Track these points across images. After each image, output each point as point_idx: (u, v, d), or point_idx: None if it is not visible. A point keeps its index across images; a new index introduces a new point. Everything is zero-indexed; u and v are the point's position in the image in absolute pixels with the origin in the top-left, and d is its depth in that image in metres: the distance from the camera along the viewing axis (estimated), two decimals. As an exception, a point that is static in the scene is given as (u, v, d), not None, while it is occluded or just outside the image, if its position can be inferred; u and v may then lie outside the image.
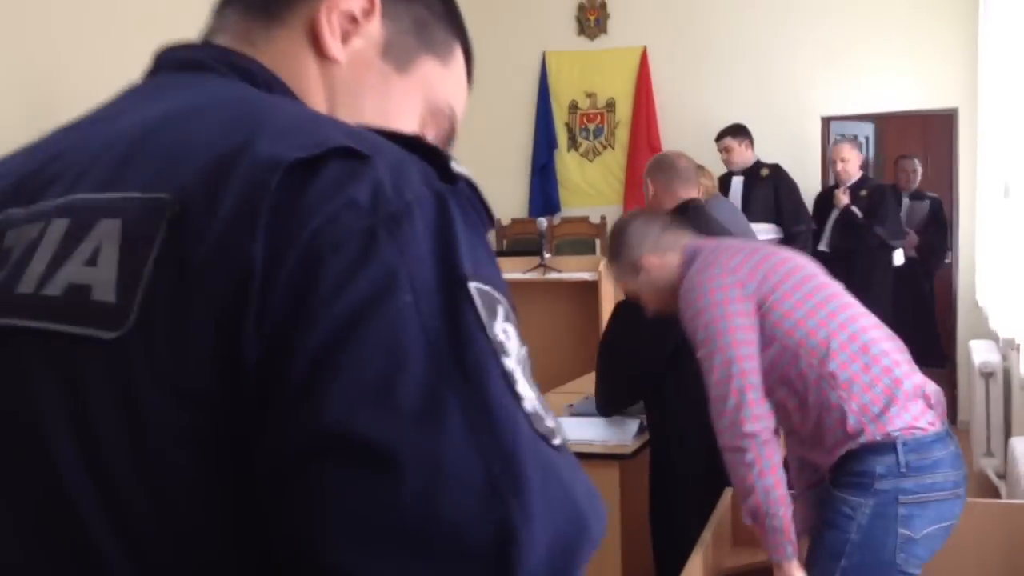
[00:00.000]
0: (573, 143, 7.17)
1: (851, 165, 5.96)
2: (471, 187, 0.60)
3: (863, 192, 5.92)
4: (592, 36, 7.08)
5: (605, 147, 7.09)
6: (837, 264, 5.41)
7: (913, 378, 2.13)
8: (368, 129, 0.62)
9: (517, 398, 0.55)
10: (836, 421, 2.10)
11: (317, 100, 0.74)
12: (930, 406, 2.12)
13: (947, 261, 6.73)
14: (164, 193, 0.57)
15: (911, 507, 2.05)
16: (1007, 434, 4.88)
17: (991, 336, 5.34)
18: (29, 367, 0.57)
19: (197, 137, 0.60)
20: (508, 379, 0.55)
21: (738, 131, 6.23)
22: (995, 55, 5.25)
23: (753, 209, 5.88)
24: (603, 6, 7.03)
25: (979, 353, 5.22)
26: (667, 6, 6.85)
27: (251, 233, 0.54)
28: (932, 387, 2.17)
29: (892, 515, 2.04)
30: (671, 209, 3.20)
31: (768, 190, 5.99)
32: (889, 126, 7.67)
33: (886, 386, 2.09)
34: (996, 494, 4.76)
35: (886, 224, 5.86)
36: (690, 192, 3.29)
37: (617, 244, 2.50)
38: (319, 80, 0.74)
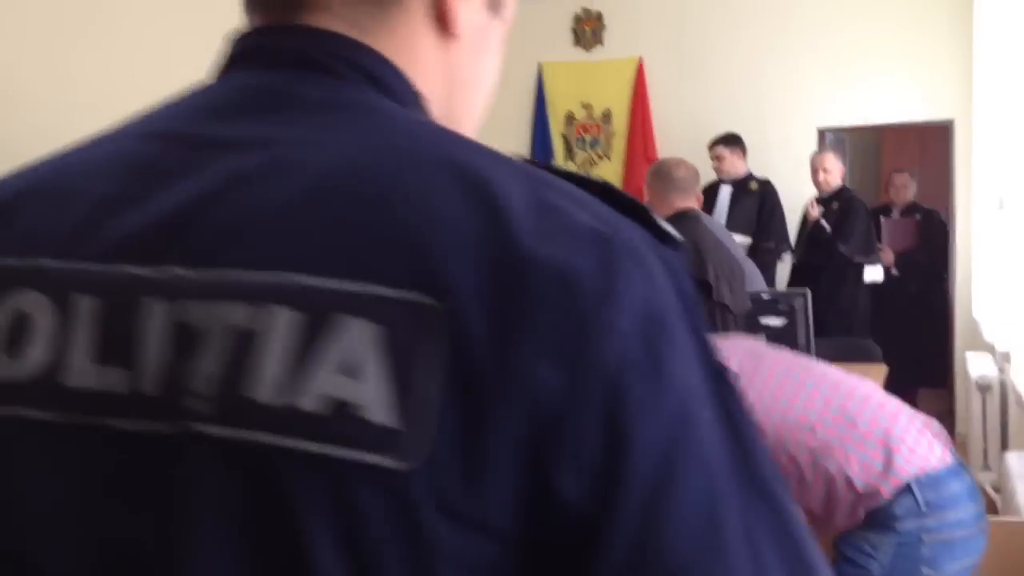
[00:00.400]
0: (569, 154, 7.16)
1: (833, 176, 5.93)
2: (681, 245, 0.57)
3: (835, 205, 5.90)
4: (588, 47, 7.08)
5: (601, 158, 7.09)
6: (805, 278, 5.43)
7: (900, 419, 2.08)
8: (549, 171, 0.57)
9: (784, 486, 0.54)
10: (844, 488, 2.02)
11: (436, 91, 0.66)
12: (933, 438, 2.07)
13: (945, 279, 6.67)
14: (425, 294, 0.49)
15: (936, 546, 1.99)
16: (1004, 447, 4.87)
17: (988, 349, 5.33)
18: (291, 491, 0.48)
19: (424, 208, 0.51)
20: (778, 476, 0.54)
21: (731, 140, 6.22)
22: (990, 66, 5.26)
23: (736, 219, 5.91)
24: (599, 17, 7.03)
25: (976, 366, 5.21)
26: (663, 17, 6.85)
27: (548, 358, 0.48)
28: (925, 418, 2.12)
29: (916, 556, 1.99)
30: (667, 217, 3.20)
31: (754, 203, 5.98)
32: (884, 137, 7.67)
33: (879, 438, 2.03)
34: (993, 508, 4.74)
35: (850, 241, 5.80)
36: (687, 201, 3.27)
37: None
38: (438, 66, 0.66)
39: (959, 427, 6.05)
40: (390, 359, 0.48)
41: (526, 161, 0.59)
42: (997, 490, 4.85)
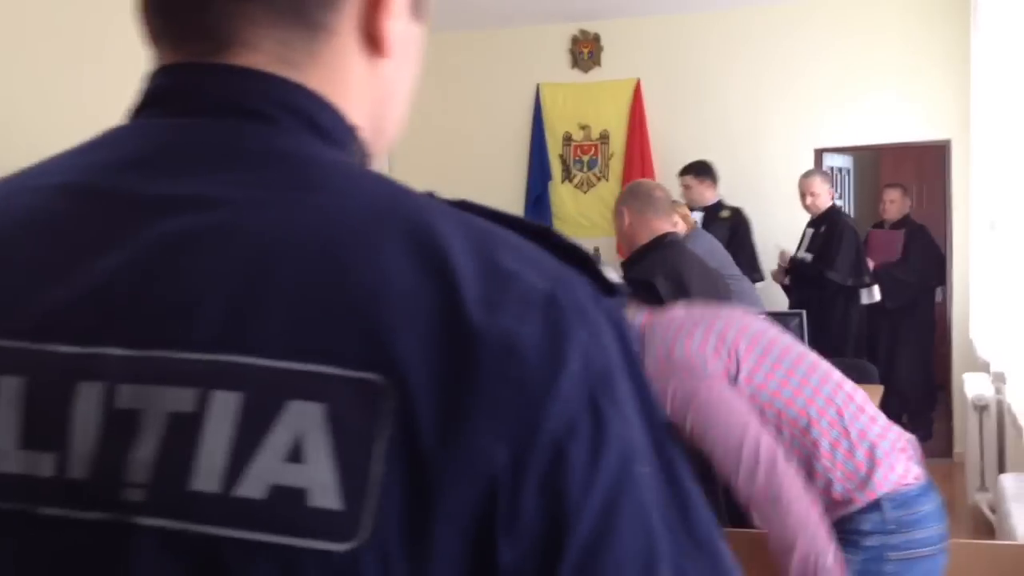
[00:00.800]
0: (567, 175, 7.18)
1: (821, 199, 5.92)
2: (622, 293, 0.56)
3: (822, 228, 5.89)
4: (586, 69, 7.10)
5: (599, 179, 7.10)
6: (800, 300, 5.44)
7: (888, 435, 2.08)
8: (488, 217, 0.56)
9: (723, 538, 0.55)
10: (822, 489, 2.03)
11: (367, 111, 0.64)
12: (910, 458, 2.08)
13: (933, 295, 6.65)
14: (372, 372, 0.48)
15: (899, 564, 2.00)
16: (1001, 468, 4.85)
17: (985, 369, 5.32)
18: None
19: (372, 280, 0.50)
20: (715, 524, 0.55)
21: (701, 170, 6.20)
22: (987, 87, 5.27)
23: None
24: (596, 39, 7.06)
25: (973, 386, 5.20)
26: (660, 39, 6.88)
27: (494, 431, 0.48)
28: (908, 436, 2.13)
29: (879, 571, 1.99)
30: (646, 243, 3.15)
31: (724, 232, 5.94)
32: (882, 158, 7.68)
33: (866, 450, 2.03)
34: (990, 529, 4.72)
35: (835, 266, 5.76)
36: (664, 225, 3.21)
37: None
38: (369, 87, 0.64)
39: (956, 447, 6.04)
40: (334, 440, 0.48)
41: (461, 204, 0.58)
42: (993, 511, 4.83)
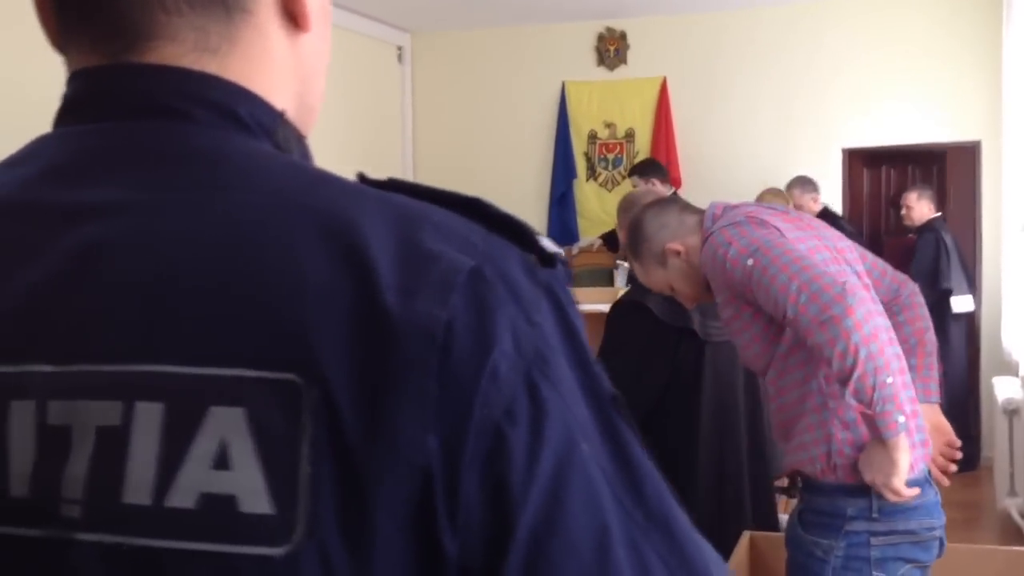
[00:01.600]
0: (592, 173, 7.15)
1: (916, 212, 5.89)
2: (563, 263, 0.54)
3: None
4: (612, 66, 7.07)
5: (624, 177, 7.07)
6: None
7: (917, 420, 2.01)
8: (414, 193, 0.55)
9: (678, 506, 0.54)
10: (815, 443, 1.97)
11: (291, 90, 0.62)
12: (922, 457, 1.99)
13: (947, 299, 6.51)
14: (291, 372, 0.48)
15: (884, 548, 1.95)
16: (1031, 473, 4.78)
17: (1015, 372, 5.25)
18: None
19: (287, 277, 0.49)
20: (670, 493, 0.54)
21: (646, 169, 6.08)
22: (1019, 88, 5.19)
23: None
24: (623, 36, 7.03)
25: (1003, 390, 5.13)
26: (687, 37, 6.84)
27: (421, 420, 0.47)
28: (921, 422, 2.03)
29: (865, 556, 1.95)
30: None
31: None
32: (911, 159, 7.57)
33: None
34: (1019, 534, 4.66)
35: (924, 274, 5.56)
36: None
37: (635, 240, 2.30)
38: (291, 65, 0.62)
39: (984, 451, 5.96)
40: (258, 444, 0.47)
41: (389, 183, 0.56)
42: (1023, 516, 4.77)
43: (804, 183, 6.01)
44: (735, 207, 2.16)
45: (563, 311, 0.53)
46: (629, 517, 0.51)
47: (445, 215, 0.54)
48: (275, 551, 0.47)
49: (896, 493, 1.86)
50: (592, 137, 7.14)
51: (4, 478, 0.50)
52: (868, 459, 1.90)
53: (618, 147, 7.10)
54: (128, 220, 0.52)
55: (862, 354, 1.78)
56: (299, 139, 0.63)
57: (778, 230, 2.00)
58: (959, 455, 2.22)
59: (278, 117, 0.61)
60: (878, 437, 1.84)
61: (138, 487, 0.48)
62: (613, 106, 7.06)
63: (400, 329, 0.48)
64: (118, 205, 0.52)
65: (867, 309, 1.82)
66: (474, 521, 0.48)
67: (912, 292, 2.25)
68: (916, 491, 1.91)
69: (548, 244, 0.54)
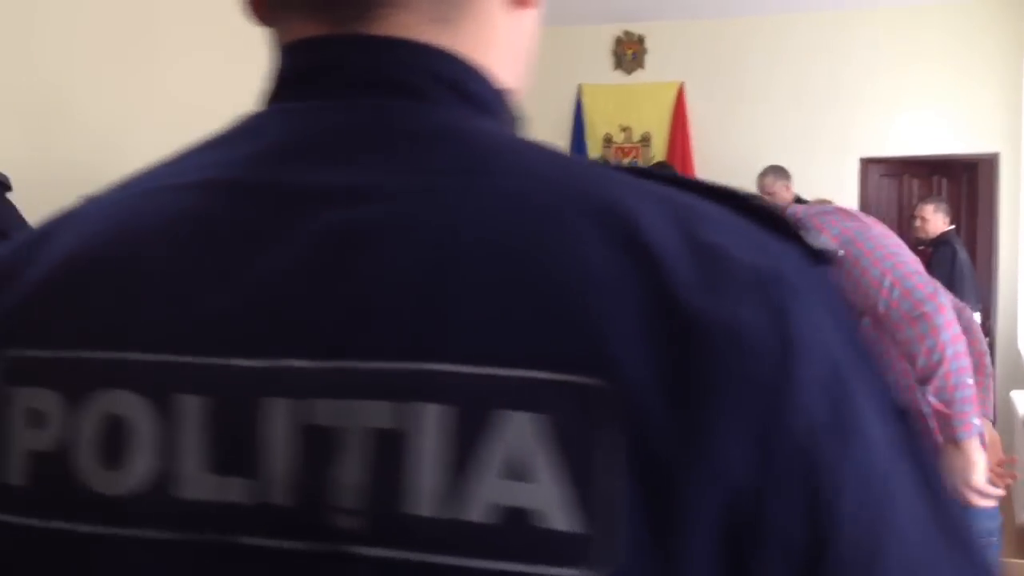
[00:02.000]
0: (606, 177, 7.12)
1: (931, 224, 5.79)
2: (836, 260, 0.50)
3: (930, 252, 5.76)
4: (629, 70, 7.04)
5: (638, 182, 7.05)
6: None
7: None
8: (677, 184, 0.50)
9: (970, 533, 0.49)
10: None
11: (509, 73, 0.58)
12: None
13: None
14: (589, 375, 0.43)
15: None
16: (1052, 488, 4.76)
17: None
18: None
19: (572, 269, 0.44)
20: (963, 518, 0.49)
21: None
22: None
23: None
24: (640, 40, 7.00)
25: (1022, 404, 5.11)
26: (705, 42, 6.81)
27: (735, 430, 0.42)
28: (986, 428, 2.01)
29: None
30: None
31: None
32: (928, 170, 7.55)
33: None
34: (1039, 550, 4.64)
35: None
36: None
37: None
38: (511, 42, 0.58)
39: (1002, 466, 5.93)
40: (562, 454, 0.42)
41: (634, 170, 0.51)
42: (1045, 532, 4.75)
43: (777, 171, 5.95)
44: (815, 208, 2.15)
45: (840, 311, 0.48)
46: (942, 548, 0.46)
47: (711, 207, 0.49)
48: (580, 573, 0.42)
49: (979, 492, 1.83)
50: (608, 140, 7.11)
51: (262, 485, 0.44)
52: (944, 464, 1.86)
53: (634, 151, 7.07)
54: (387, 206, 0.47)
55: (949, 352, 1.78)
56: (517, 121, 0.58)
57: (866, 224, 1.97)
58: (1014, 474, 2.21)
59: (502, 96, 0.56)
60: (952, 438, 1.83)
61: (428, 498, 0.43)
62: (629, 110, 7.02)
63: (705, 330, 0.43)
64: (374, 189, 0.47)
65: (953, 313, 1.83)
66: (795, 552, 0.43)
67: (970, 318, 2.25)
68: (1001, 491, 1.89)
69: (817, 239, 0.49)
